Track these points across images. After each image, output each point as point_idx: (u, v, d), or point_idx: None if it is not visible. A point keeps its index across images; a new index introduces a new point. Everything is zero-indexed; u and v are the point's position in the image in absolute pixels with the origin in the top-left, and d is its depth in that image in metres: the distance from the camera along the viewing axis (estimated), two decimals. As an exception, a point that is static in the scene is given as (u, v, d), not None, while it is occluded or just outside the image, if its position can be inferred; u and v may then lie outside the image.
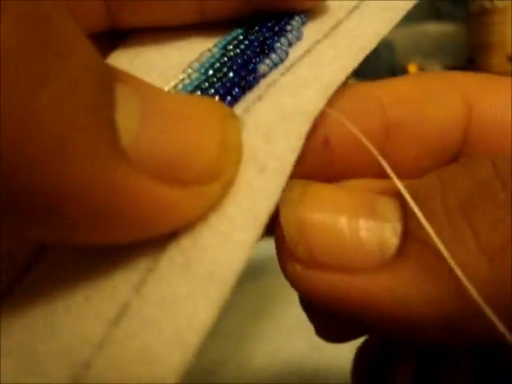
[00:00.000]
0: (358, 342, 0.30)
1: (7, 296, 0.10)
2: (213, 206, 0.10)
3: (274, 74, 0.13)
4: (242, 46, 0.14)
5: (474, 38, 0.50)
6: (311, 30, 0.14)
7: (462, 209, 0.10)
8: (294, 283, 0.11)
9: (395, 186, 0.11)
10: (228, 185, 0.10)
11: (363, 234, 0.11)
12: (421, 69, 0.52)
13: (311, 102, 0.12)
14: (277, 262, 0.13)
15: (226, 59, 0.13)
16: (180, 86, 0.13)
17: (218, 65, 0.13)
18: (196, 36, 0.14)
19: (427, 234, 0.10)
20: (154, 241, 0.10)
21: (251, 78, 0.13)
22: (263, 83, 0.13)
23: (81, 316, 0.10)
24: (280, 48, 0.14)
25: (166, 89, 0.13)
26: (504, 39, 0.48)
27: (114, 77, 0.09)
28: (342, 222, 0.11)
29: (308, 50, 0.14)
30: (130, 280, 0.10)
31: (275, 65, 0.13)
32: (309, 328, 0.34)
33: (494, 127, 0.13)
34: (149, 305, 0.09)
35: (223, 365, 0.29)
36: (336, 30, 0.14)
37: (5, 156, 0.07)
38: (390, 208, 0.11)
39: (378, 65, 0.49)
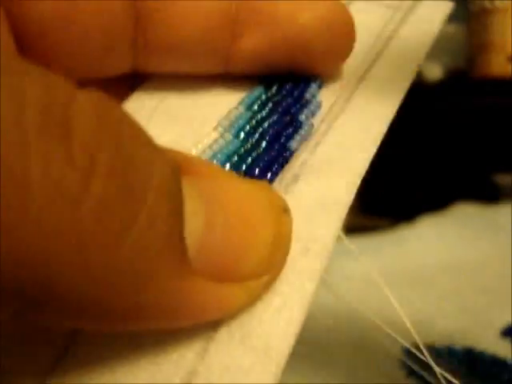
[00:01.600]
0: (358, 342, 0.30)
1: (63, 359, 0.10)
2: (260, 295, 0.11)
3: (304, 151, 0.14)
4: (267, 110, 0.15)
5: (473, 38, 0.50)
6: (326, 99, 0.16)
7: None
8: None
9: None
10: (276, 276, 0.11)
11: None
12: (421, 69, 0.52)
13: (344, 192, 0.13)
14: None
15: (254, 123, 0.14)
16: (215, 147, 0.14)
17: (248, 128, 0.14)
18: (217, 86, 0.15)
19: None
20: None
21: (287, 155, 0.14)
22: (296, 161, 0.14)
23: (151, 379, 0.10)
24: (306, 122, 0.15)
25: (200, 147, 0.14)
26: (504, 39, 0.48)
27: (180, 176, 0.09)
28: None
29: (329, 126, 0.15)
30: (194, 347, 0.10)
31: (304, 139, 0.14)
32: (309, 328, 0.34)
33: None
34: (215, 373, 0.10)
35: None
36: (350, 102, 0.16)
37: (92, 292, 0.08)
38: None
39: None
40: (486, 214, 0.47)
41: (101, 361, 0.10)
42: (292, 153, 0.14)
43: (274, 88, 0.15)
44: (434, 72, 0.51)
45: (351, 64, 0.16)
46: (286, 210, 0.11)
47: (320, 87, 0.16)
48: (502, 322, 0.30)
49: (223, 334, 0.10)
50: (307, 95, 0.15)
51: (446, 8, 0.20)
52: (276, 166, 0.13)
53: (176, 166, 0.09)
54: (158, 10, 0.13)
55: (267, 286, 0.11)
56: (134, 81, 0.15)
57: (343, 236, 0.13)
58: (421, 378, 0.27)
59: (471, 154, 0.53)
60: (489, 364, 0.27)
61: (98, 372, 0.10)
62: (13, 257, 0.07)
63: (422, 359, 0.28)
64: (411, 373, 0.27)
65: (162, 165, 0.09)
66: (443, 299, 0.33)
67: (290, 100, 0.15)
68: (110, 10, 0.13)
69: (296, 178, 0.13)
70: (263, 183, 0.12)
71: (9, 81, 0.07)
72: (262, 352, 0.10)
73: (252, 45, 0.14)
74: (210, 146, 0.14)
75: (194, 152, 0.14)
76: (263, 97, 0.15)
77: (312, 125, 0.15)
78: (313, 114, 0.15)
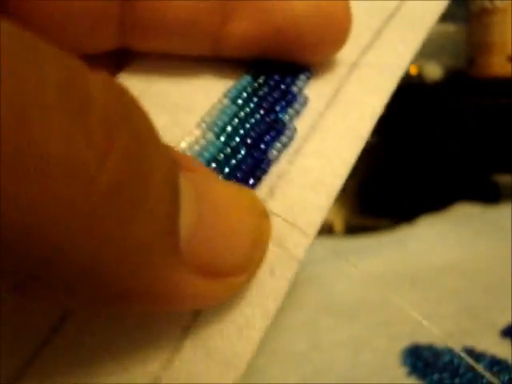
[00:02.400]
0: (358, 342, 0.30)
1: (39, 354, 0.11)
2: (235, 293, 0.12)
3: (283, 159, 0.14)
4: (252, 105, 0.14)
5: (474, 38, 0.50)
6: (314, 93, 0.15)
7: None
8: None
9: None
10: (253, 276, 0.12)
11: None
12: (421, 69, 0.52)
13: (318, 210, 0.13)
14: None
15: (237, 122, 0.14)
16: (196, 148, 0.14)
17: (229, 129, 0.14)
18: (205, 71, 0.15)
19: None
20: (178, 322, 0.11)
21: (265, 166, 0.14)
22: (274, 170, 0.14)
23: (119, 379, 0.11)
24: (289, 125, 0.14)
25: (182, 145, 0.14)
26: (504, 39, 0.48)
27: (178, 169, 0.10)
28: None
29: (312, 127, 0.14)
30: (160, 357, 0.11)
31: (284, 146, 0.14)
32: (309, 328, 0.35)
33: None
34: (178, 382, 0.11)
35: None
36: (337, 97, 0.15)
37: (92, 269, 0.08)
38: None
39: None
40: (486, 215, 0.47)
41: (75, 359, 0.11)
42: (271, 162, 0.14)
43: (262, 78, 0.15)
44: (434, 72, 0.51)
45: (344, 48, 0.15)
46: (266, 216, 0.12)
47: (309, 78, 0.15)
48: (502, 322, 0.30)
49: (188, 345, 0.11)
50: (294, 89, 0.15)
51: None
52: (253, 181, 0.13)
53: (175, 159, 0.10)
54: None
55: (243, 284, 0.12)
56: (121, 58, 0.15)
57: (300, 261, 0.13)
58: (421, 377, 0.27)
59: (471, 154, 0.53)
60: (489, 364, 0.27)
61: (76, 368, 0.11)
62: (26, 227, 0.07)
63: (422, 358, 0.28)
64: (411, 372, 0.27)
65: (166, 155, 0.09)
66: (443, 299, 0.33)
67: (275, 95, 0.15)
68: None
69: (272, 192, 0.14)
70: (248, 189, 0.13)
71: (28, 55, 0.07)
72: (224, 367, 0.11)
73: (242, 30, 0.14)
74: (191, 148, 0.14)
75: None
76: (249, 89, 0.15)
77: (295, 129, 0.14)
78: (297, 113, 0.15)
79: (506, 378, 0.25)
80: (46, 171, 0.07)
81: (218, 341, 0.11)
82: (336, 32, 0.15)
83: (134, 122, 0.08)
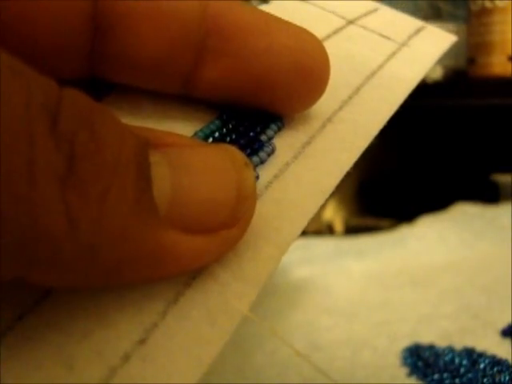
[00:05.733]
0: (358, 342, 0.30)
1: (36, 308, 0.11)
2: (233, 247, 0.12)
3: None
4: None
5: (474, 37, 0.50)
6: (283, 143, 0.15)
7: None
8: None
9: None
10: (246, 227, 0.12)
11: None
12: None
13: (268, 261, 0.13)
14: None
15: None
16: None
17: None
18: (175, 110, 0.15)
19: None
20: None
21: None
22: None
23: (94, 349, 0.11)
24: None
25: None
26: (504, 39, 0.48)
27: (147, 148, 0.11)
28: None
29: (276, 176, 0.14)
30: (146, 319, 0.11)
31: None
32: (308, 327, 0.35)
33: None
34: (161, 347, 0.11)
35: (222, 365, 0.29)
36: (306, 150, 0.15)
37: (79, 251, 0.09)
38: None
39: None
40: (486, 214, 0.47)
41: (59, 319, 0.11)
42: None
43: (232, 123, 0.15)
44: (434, 72, 0.51)
45: (321, 101, 0.15)
46: (247, 164, 0.12)
47: (280, 128, 0.15)
48: (502, 321, 0.30)
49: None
50: (263, 137, 0.14)
51: (447, 42, 0.18)
52: None
53: (143, 141, 0.11)
54: (119, 25, 0.13)
55: (238, 238, 0.12)
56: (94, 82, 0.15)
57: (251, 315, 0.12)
58: (421, 377, 0.27)
59: (471, 154, 0.53)
60: (489, 364, 0.27)
61: (56, 329, 0.11)
62: (17, 225, 0.08)
63: (422, 358, 0.28)
64: (411, 372, 0.27)
65: (130, 141, 0.10)
66: (443, 299, 0.33)
67: (242, 141, 0.14)
68: (68, 14, 0.12)
69: None
70: (225, 145, 0.13)
71: (19, 82, 0.09)
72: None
73: (215, 75, 0.14)
74: None
75: None
76: (217, 134, 0.14)
77: (257, 177, 0.14)
78: (262, 162, 0.14)
79: (507, 378, 0.25)
80: (30, 176, 0.09)
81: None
82: (312, 88, 0.14)
83: (93, 125, 0.10)
